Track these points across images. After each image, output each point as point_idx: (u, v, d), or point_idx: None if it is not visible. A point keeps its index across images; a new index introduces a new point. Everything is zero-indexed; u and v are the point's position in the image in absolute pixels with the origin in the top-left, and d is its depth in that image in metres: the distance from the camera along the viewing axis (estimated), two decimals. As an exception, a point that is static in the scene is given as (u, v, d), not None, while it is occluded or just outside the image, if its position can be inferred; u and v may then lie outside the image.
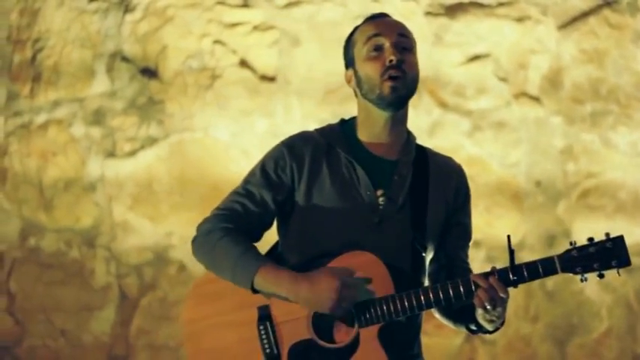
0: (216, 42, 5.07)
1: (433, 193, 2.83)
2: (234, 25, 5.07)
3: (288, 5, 5.04)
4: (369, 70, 2.78)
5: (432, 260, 2.88)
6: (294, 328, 2.73)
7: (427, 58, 4.93)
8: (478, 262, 4.91)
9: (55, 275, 5.10)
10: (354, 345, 2.70)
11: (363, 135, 2.85)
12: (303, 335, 2.72)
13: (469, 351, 4.94)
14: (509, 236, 2.72)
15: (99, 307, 5.07)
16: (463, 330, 2.84)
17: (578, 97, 4.93)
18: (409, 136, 2.88)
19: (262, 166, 2.83)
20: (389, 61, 2.76)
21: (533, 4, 4.93)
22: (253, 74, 5.05)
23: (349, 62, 2.87)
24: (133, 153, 5.09)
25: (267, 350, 2.73)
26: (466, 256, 2.91)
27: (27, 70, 5.19)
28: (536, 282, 5.02)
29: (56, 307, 5.08)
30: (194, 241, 2.84)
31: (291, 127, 5.01)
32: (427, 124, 4.92)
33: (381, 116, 2.81)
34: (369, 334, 2.69)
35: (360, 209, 2.77)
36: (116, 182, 5.06)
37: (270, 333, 2.73)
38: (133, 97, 5.11)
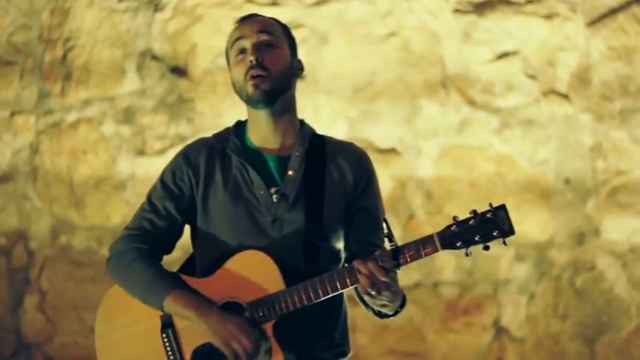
0: (245, 40, 5.09)
1: (330, 183, 2.86)
2: (262, 23, 5.08)
3: (316, 3, 5.05)
4: (236, 74, 2.88)
5: (344, 248, 2.90)
6: (196, 332, 2.77)
7: (456, 56, 4.94)
8: (507, 259, 4.91)
9: (86, 273, 5.14)
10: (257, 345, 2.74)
11: (253, 135, 2.91)
12: (205, 338, 2.76)
13: (498, 349, 4.94)
14: (385, 219, 2.72)
15: (129, 304, 5.11)
16: (374, 315, 2.86)
17: (606, 94, 4.92)
18: (303, 128, 2.93)
19: (162, 178, 2.92)
20: (249, 61, 2.82)
21: (562, 1, 4.92)
22: (282, 72, 5.06)
23: (229, 67, 2.94)
24: (162, 151, 5.13)
25: (172, 357, 2.79)
26: (379, 239, 2.89)
27: (58, 69, 5.24)
28: (565, 280, 5.02)
29: (87, 304, 5.12)
30: (107, 262, 2.92)
31: (320, 126, 4.97)
32: (456, 121, 4.92)
33: (259, 115, 2.87)
34: (264, 331, 2.74)
35: (256, 210, 2.82)
36: (146, 180, 5.09)
37: (173, 340, 2.79)
38: (163, 95, 5.14)
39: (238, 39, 2.89)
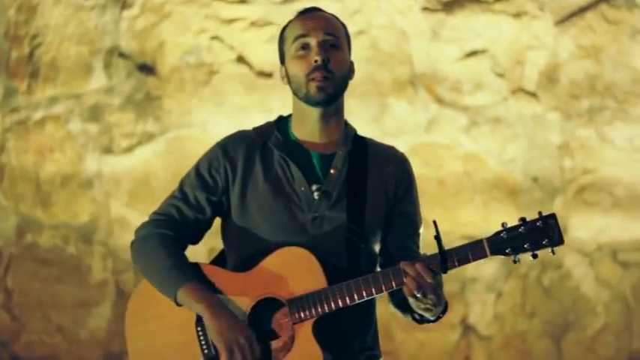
0: (214, 38, 5.07)
1: (372, 184, 2.83)
2: (231, 20, 5.07)
3: (285, 1, 5.04)
4: (296, 70, 2.80)
5: (380, 252, 2.87)
6: None
7: (424, 54, 4.94)
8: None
9: (52, 271, 5.10)
10: (290, 342, 2.71)
11: (297, 131, 2.86)
12: (212, 336, 2.73)
13: (465, 347, 4.95)
14: (435, 221, 2.68)
15: (96, 303, 5.07)
16: (411, 320, 2.83)
17: (575, 92, 4.94)
18: (346, 128, 2.89)
19: (197, 167, 2.88)
20: (314, 61, 2.77)
21: (530, -1, 4.95)
22: (251, 70, 5.06)
23: (281, 59, 2.89)
24: (130, 149, 5.10)
25: (206, 351, 2.74)
26: (416, 245, 2.88)
27: (24, 66, 5.19)
28: (533, 278, 5.04)
29: (53, 303, 5.08)
30: (131, 245, 2.88)
31: (289, 123, 5.01)
32: (424, 120, 4.92)
33: (311, 112, 2.82)
34: (303, 330, 2.70)
35: (296, 206, 2.79)
36: (113, 178, 5.06)
37: (207, 333, 2.74)
38: (131, 93, 5.12)
39: (303, 36, 2.81)
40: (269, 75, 5.04)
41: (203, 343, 2.74)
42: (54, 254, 5.10)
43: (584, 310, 4.91)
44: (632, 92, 4.91)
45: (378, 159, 2.87)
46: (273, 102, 5.04)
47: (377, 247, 2.86)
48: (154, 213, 2.87)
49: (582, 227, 4.87)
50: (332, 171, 2.82)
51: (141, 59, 5.12)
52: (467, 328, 4.95)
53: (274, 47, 5.23)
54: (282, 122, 2.91)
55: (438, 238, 2.66)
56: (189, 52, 5.08)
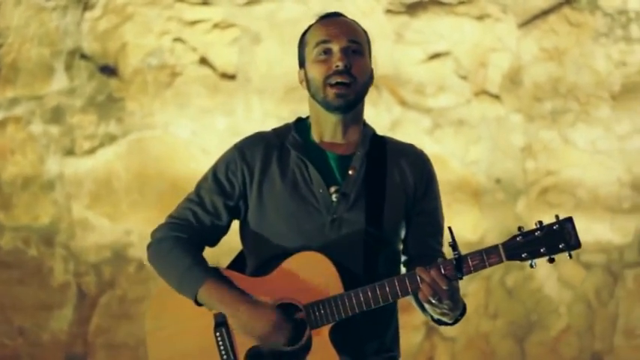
0: (176, 40, 5.05)
1: (391, 184, 2.81)
2: (194, 22, 5.05)
3: (248, 3, 5.02)
4: (315, 73, 2.78)
5: (403, 252, 2.85)
6: None
7: (387, 56, 4.94)
8: (438, 259, 4.92)
9: (13, 274, 5.06)
10: (307, 346, 2.70)
11: (316, 133, 2.84)
12: (244, 335, 2.72)
13: (429, 348, 4.95)
14: (450, 228, 2.68)
15: (57, 306, 5.04)
16: (432, 321, 2.81)
17: (538, 95, 4.96)
18: (365, 128, 2.86)
19: (214, 171, 2.84)
20: (335, 66, 2.75)
21: (494, 2, 4.95)
22: (213, 72, 5.04)
23: (301, 62, 2.87)
24: (92, 151, 5.06)
25: (225, 357, 2.73)
26: (438, 244, 2.86)
27: (-16, 67, 5.15)
28: (496, 279, 5.06)
29: (14, 305, 5.04)
30: (148, 248, 2.87)
31: (252, 125, 5.00)
32: (387, 122, 4.92)
33: (330, 118, 2.80)
34: (320, 335, 2.70)
35: (314, 208, 2.77)
36: (75, 180, 5.03)
37: (227, 339, 2.73)
38: (92, 94, 5.08)
39: (325, 41, 2.80)
40: (232, 77, 5.03)
41: (222, 349, 2.74)
42: (15, 257, 5.06)
43: (547, 311, 4.93)
44: (594, 94, 4.93)
45: (396, 157, 2.84)
46: (237, 104, 5.02)
47: (399, 248, 2.84)
48: (170, 216, 2.85)
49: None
50: (350, 172, 2.80)
51: (103, 61, 5.08)
52: (430, 329, 4.95)
53: (237, 49, 5.24)
54: (301, 124, 2.89)
55: (453, 243, 2.64)
56: (151, 53, 5.05)
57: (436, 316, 2.74)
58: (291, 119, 5.35)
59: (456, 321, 2.76)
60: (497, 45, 4.96)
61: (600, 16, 4.94)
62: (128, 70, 5.06)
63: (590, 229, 4.87)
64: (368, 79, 2.81)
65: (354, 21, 2.89)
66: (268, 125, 4.94)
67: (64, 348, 5.05)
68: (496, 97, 4.97)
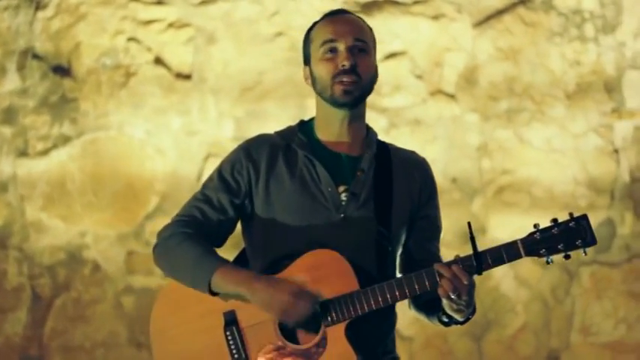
0: (131, 39, 5.02)
1: (397, 188, 2.83)
2: (148, 22, 5.03)
3: (203, 3, 5.01)
4: (322, 72, 2.80)
5: (401, 255, 2.87)
6: (261, 331, 2.72)
7: (343, 56, 4.94)
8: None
9: (-33, 277, 5.02)
10: (322, 344, 2.70)
11: (322, 133, 2.85)
12: (271, 338, 2.71)
13: (388, 348, 4.96)
14: (469, 223, 2.71)
15: (11, 309, 5.00)
16: (436, 323, 2.82)
17: (493, 94, 4.98)
18: (369, 132, 2.89)
19: (220, 170, 2.85)
20: (342, 65, 2.77)
21: (449, 2, 4.97)
22: (168, 72, 5.02)
23: (306, 59, 2.89)
24: (45, 152, 5.02)
25: (236, 355, 2.72)
26: (437, 249, 2.90)
27: None
28: (454, 278, 5.07)
29: (-33, 309, 5.00)
30: (155, 248, 2.84)
31: (207, 125, 4.98)
32: (344, 121, 4.92)
33: (337, 114, 2.82)
34: (336, 333, 2.69)
35: (323, 207, 2.78)
36: (28, 182, 4.99)
37: (237, 338, 2.72)
38: (45, 95, 5.04)
39: (332, 40, 2.81)
40: (187, 77, 5.01)
41: (233, 347, 2.72)
42: (-32, 259, 5.02)
43: (504, 309, 4.95)
44: (549, 94, 4.96)
45: (402, 163, 2.88)
46: (192, 104, 5.01)
47: (399, 250, 2.86)
48: (177, 215, 2.84)
49: (501, 227, 4.91)
50: (359, 173, 2.81)
51: (56, 61, 5.05)
52: (388, 329, 4.96)
53: (192, 49, 5.21)
54: (305, 125, 2.90)
55: (472, 239, 2.67)
56: (105, 53, 5.02)
57: (451, 313, 2.73)
58: (246, 119, 5.35)
59: (467, 319, 2.76)
60: (452, 45, 4.98)
61: (555, 16, 4.97)
62: (82, 70, 5.02)
63: (545, 228, 4.89)
64: (373, 77, 2.84)
65: (360, 18, 2.91)
66: (224, 125, 4.98)
67: (19, 351, 5.00)
68: (452, 96, 4.98)
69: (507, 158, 4.96)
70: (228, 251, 2.86)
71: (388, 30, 4.95)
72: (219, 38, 5.00)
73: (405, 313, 4.90)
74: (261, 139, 2.88)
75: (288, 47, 4.96)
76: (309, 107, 4.95)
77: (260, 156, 2.83)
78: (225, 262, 2.74)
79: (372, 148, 2.86)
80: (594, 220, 4.90)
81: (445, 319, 2.78)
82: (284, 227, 2.77)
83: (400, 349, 4.92)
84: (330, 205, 2.78)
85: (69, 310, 5.00)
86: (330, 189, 2.79)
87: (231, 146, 4.93)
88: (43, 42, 5.05)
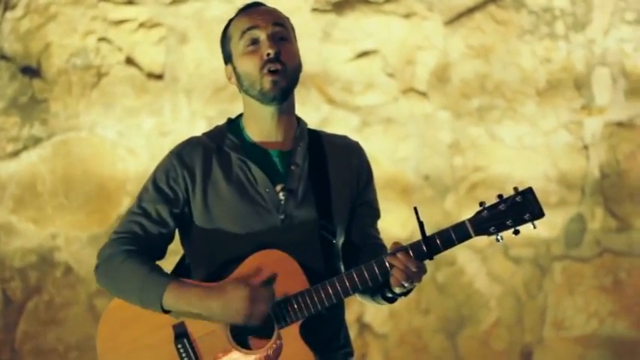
0: (102, 39, 5.00)
1: (334, 176, 2.79)
2: (119, 22, 5.00)
3: (174, 2, 4.99)
4: (247, 66, 2.73)
5: (344, 243, 2.83)
6: (213, 340, 2.67)
7: (315, 55, 4.93)
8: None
9: (-64, 281, 4.98)
10: (277, 348, 2.65)
11: (252, 131, 2.79)
12: (224, 346, 2.66)
13: (361, 345, 4.96)
14: (415, 208, 2.68)
15: (-17, 313, 4.97)
16: (380, 301, 2.77)
17: (465, 92, 4.99)
18: (300, 123, 2.84)
19: (154, 180, 2.77)
20: (266, 54, 2.70)
21: (420, 0, 4.97)
22: (140, 72, 5.00)
23: (227, 58, 2.82)
24: (15, 154, 4.99)
25: None
26: (377, 232, 2.87)
27: None
28: (427, 275, 5.07)
29: None
30: (97, 268, 2.77)
31: (179, 126, 4.96)
32: (316, 120, 4.91)
33: (266, 111, 2.75)
34: (290, 334, 2.65)
35: (263, 209, 2.72)
36: (-2, 184, 4.97)
37: (190, 350, 2.66)
38: (15, 96, 5.00)
39: (250, 28, 2.73)
40: (159, 77, 4.99)
41: (185, 359, 2.66)
42: (-62, 263, 4.98)
43: (477, 305, 4.97)
44: (520, 91, 4.98)
45: (336, 150, 2.82)
46: (164, 104, 4.99)
47: (342, 240, 2.82)
48: (115, 232, 2.76)
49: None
50: (292, 167, 2.76)
51: (25, 61, 5.01)
52: (362, 327, 4.96)
53: (164, 48, 5.19)
54: (234, 124, 2.83)
55: (420, 224, 2.64)
56: (76, 54, 4.99)
57: (397, 296, 2.71)
58: (219, 119, 5.32)
59: (409, 291, 2.72)
60: (424, 43, 4.98)
61: (525, 14, 4.99)
62: (52, 71, 4.99)
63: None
64: (297, 66, 2.78)
65: (274, 8, 2.82)
66: (196, 125, 4.95)
67: (-10, 354, 4.98)
68: (424, 94, 4.99)
69: (479, 155, 4.98)
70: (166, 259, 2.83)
71: (360, 29, 4.95)
72: (190, 38, 4.98)
73: (380, 311, 4.92)
74: (191, 144, 2.80)
75: (260, 46, 4.95)
76: (281, 106, 4.95)
77: (194, 161, 2.75)
78: (172, 278, 2.68)
79: (304, 139, 2.80)
80: (565, 216, 4.95)
81: (389, 295, 2.73)
82: (225, 234, 2.72)
83: (374, 346, 4.96)
84: (270, 206, 2.73)
85: (41, 313, 4.96)
86: (267, 190, 2.74)
87: (203, 146, 4.96)
88: (11, 43, 5.01)
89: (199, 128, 4.94)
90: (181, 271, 2.82)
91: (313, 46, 4.93)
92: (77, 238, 4.95)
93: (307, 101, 4.93)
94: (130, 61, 5.00)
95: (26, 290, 4.97)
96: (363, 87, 4.96)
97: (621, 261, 4.98)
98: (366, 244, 2.81)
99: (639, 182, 4.98)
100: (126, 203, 4.94)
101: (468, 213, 4.88)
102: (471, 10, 5.00)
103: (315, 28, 4.96)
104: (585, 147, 4.99)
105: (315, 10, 4.98)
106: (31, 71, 5.01)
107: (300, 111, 5.19)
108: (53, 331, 4.95)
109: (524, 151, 4.97)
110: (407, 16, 4.98)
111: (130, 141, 4.97)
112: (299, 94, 5.00)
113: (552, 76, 4.98)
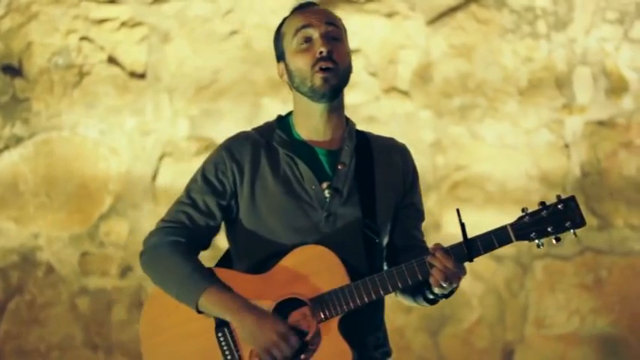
0: (83, 38, 4.98)
1: (380, 177, 2.83)
2: (101, 21, 4.99)
3: (156, 1, 4.98)
4: (300, 63, 2.77)
5: (388, 244, 2.86)
6: None
7: (298, 54, 4.93)
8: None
9: None
10: (315, 340, 2.68)
11: (301, 128, 2.84)
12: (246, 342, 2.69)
13: (344, 345, 4.96)
14: (458, 210, 2.72)
15: (-36, 313, 4.95)
16: (421, 302, 2.81)
17: (447, 91, 5.00)
18: (348, 123, 2.88)
19: (203, 172, 2.81)
20: (319, 52, 2.75)
21: (402, 0, 4.98)
22: (122, 71, 4.98)
23: (280, 55, 2.86)
24: (-3, 153, 4.98)
25: (229, 357, 2.70)
26: (421, 234, 2.91)
27: None
28: (409, 274, 5.09)
29: None
30: (142, 255, 2.82)
31: (161, 125, 4.96)
32: (299, 119, 4.92)
33: (316, 108, 2.80)
34: (329, 328, 2.67)
35: (308, 206, 2.76)
36: (-20, 184, 4.94)
37: (230, 339, 2.70)
38: (-4, 95, 5.00)
39: (304, 27, 2.79)
40: (141, 76, 4.98)
41: (225, 349, 2.70)
42: None
43: (459, 303, 4.97)
44: (502, 90, 4.99)
45: (383, 152, 2.88)
46: (146, 103, 4.98)
47: (386, 240, 2.85)
48: (162, 220, 2.81)
49: (456, 223, 4.87)
50: (339, 167, 2.80)
51: (6, 60, 4.99)
52: (345, 326, 4.96)
53: (146, 47, 5.17)
54: (283, 121, 2.88)
55: (462, 226, 2.68)
56: (57, 53, 4.98)
57: (438, 297, 2.75)
58: (201, 118, 5.33)
59: (451, 293, 2.77)
60: (406, 42, 4.99)
61: (507, 13, 5.00)
62: (34, 70, 4.97)
63: (499, 222, 4.89)
64: (348, 66, 2.83)
65: (327, 8, 2.90)
66: (178, 124, 4.95)
67: (-30, 354, 4.96)
68: (405, 93, 4.99)
69: (461, 154, 4.99)
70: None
71: (342, 28, 4.96)
72: (173, 37, 4.97)
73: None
74: (242, 138, 2.85)
75: (242, 45, 4.95)
76: (264, 105, 4.94)
77: (243, 156, 2.80)
78: (213, 282, 2.71)
79: (352, 139, 2.85)
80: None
81: (431, 296, 2.78)
82: (270, 227, 2.76)
83: (357, 345, 4.97)
84: (315, 203, 2.77)
85: (23, 313, 4.94)
86: (313, 187, 2.78)
87: (186, 145, 4.95)
88: (-8, 42, 5.00)
89: (181, 127, 4.94)
90: (226, 262, 2.86)
91: (296, 45, 4.94)
92: (59, 238, 4.93)
93: (290, 100, 4.92)
94: (112, 60, 4.99)
95: (8, 290, 4.95)
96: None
97: (602, 259, 5.00)
98: (409, 245, 2.86)
99: (620, 181, 5.00)
100: (108, 202, 4.93)
101: (450, 212, 4.93)
102: (452, 10, 5.01)
103: (298, 28, 4.96)
104: (566, 146, 5.01)
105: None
106: (13, 70, 4.99)
107: (283, 110, 5.19)
108: (35, 331, 4.93)
109: (506, 149, 4.99)
110: (389, 15, 4.99)
111: (112, 140, 4.96)
112: (281, 93, 5.02)
113: (534, 75, 5.00)
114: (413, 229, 2.89)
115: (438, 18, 5.01)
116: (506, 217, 4.91)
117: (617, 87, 5.01)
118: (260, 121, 4.89)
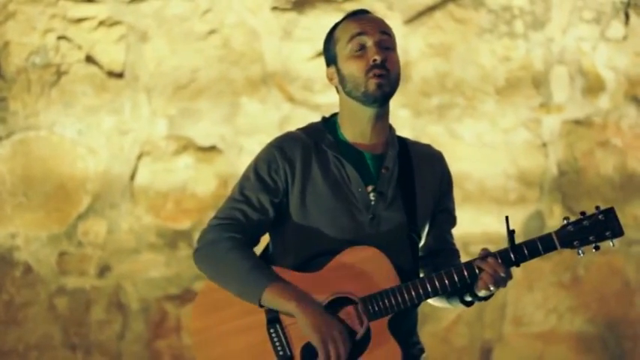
0: (61, 38, 4.97)
1: (419, 183, 2.91)
2: (79, 20, 4.97)
3: (134, 0, 4.97)
4: (354, 69, 2.85)
5: (422, 247, 2.95)
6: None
7: (275, 53, 4.94)
8: (330, 255, 4.94)
9: None
10: (365, 339, 2.74)
11: (347, 131, 2.91)
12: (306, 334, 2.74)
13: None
14: (507, 217, 2.80)
15: (-59, 314, 4.93)
16: (457, 304, 2.93)
17: (425, 90, 5.01)
18: (391, 130, 2.96)
19: (255, 169, 2.87)
20: (373, 60, 2.82)
21: (380, -1, 4.99)
22: (100, 70, 4.97)
23: (331, 60, 2.94)
24: (-26, 153, 4.96)
25: (281, 352, 2.74)
26: (452, 237, 3.02)
27: None
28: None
29: None
30: (196, 251, 2.86)
31: (140, 124, 4.95)
32: (277, 118, 4.92)
33: (365, 113, 2.88)
34: (379, 327, 2.74)
35: (353, 207, 2.84)
36: (-42, 183, 4.92)
37: (282, 335, 2.75)
38: (-28, 95, 4.98)
39: (359, 34, 2.85)
40: (119, 75, 4.97)
41: (277, 344, 2.75)
42: None
43: (437, 302, 4.99)
44: (480, 89, 5.01)
45: (421, 158, 2.96)
46: (124, 102, 4.97)
47: (421, 243, 2.95)
48: (216, 218, 2.86)
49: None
50: (383, 171, 2.88)
51: (-17, 60, 4.98)
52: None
53: (124, 47, 5.16)
54: (329, 123, 2.95)
55: (509, 232, 2.77)
56: (35, 52, 4.96)
57: (477, 299, 2.85)
58: (180, 117, 5.32)
59: (491, 295, 2.87)
60: (384, 41, 5.00)
61: (485, 13, 5.02)
62: (11, 70, 4.96)
63: (478, 221, 4.94)
64: (398, 74, 2.90)
65: (380, 17, 2.96)
66: (157, 124, 4.94)
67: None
68: (384, 92, 5.00)
69: (439, 153, 5.00)
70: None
71: (320, 27, 4.95)
72: (151, 36, 4.97)
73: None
74: (291, 138, 2.92)
75: (221, 45, 4.95)
76: (242, 105, 4.94)
77: (294, 155, 2.87)
78: (273, 279, 2.76)
79: (395, 145, 2.93)
80: (524, 214, 4.99)
81: (469, 299, 2.89)
82: (318, 227, 2.83)
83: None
84: (361, 205, 2.85)
85: (0, 313, 4.93)
86: (360, 189, 2.86)
87: (164, 145, 4.95)
88: (-31, 41, 4.98)
89: (160, 127, 4.93)
90: (266, 257, 2.91)
91: (274, 44, 4.94)
92: (37, 238, 4.92)
93: (268, 99, 4.93)
94: (89, 59, 4.98)
95: (-10, 290, 4.94)
96: (324, 85, 4.96)
97: (579, 257, 5.02)
98: (442, 249, 2.97)
99: (597, 179, 5.03)
100: (85, 202, 4.92)
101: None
102: (430, 9, 5.02)
103: (276, 27, 4.96)
104: (544, 144, 5.03)
105: (275, 8, 4.98)
106: (-11, 70, 4.99)
107: (261, 109, 5.20)
108: (13, 331, 4.92)
109: (484, 148, 5.01)
110: (367, 14, 4.99)
111: (89, 140, 4.95)
112: (259, 92, 5.02)
113: (511, 75, 5.02)
114: (446, 233, 3.00)
115: (415, 17, 5.02)
116: (484, 215, 4.95)
117: (593, 86, 5.04)
118: (239, 121, 4.94)
